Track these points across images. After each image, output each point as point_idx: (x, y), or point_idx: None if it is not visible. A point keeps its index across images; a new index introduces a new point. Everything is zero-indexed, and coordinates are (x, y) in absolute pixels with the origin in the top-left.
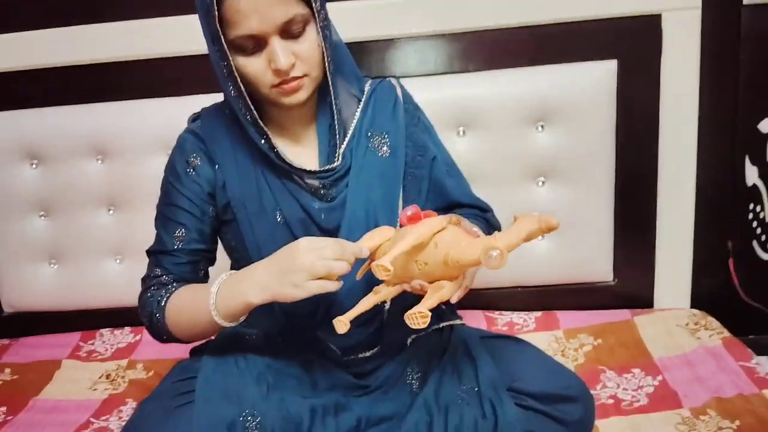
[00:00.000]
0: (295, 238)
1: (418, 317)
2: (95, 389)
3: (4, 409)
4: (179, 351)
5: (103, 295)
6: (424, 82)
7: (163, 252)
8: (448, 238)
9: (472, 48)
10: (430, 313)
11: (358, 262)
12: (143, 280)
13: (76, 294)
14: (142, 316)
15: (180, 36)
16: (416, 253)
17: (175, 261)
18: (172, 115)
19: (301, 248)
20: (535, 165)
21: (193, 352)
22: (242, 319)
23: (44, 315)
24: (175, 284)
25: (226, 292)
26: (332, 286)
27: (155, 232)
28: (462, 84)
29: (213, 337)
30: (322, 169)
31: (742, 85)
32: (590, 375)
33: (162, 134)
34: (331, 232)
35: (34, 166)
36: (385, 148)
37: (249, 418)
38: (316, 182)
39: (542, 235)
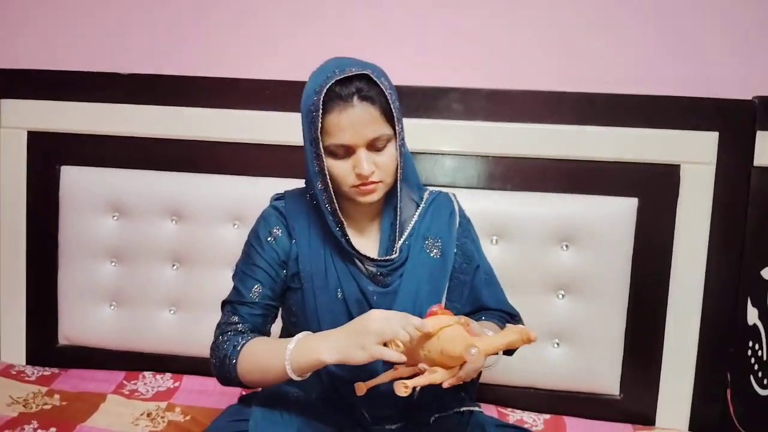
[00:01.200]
0: (350, 313)
1: (401, 386)
2: (137, 425)
3: (54, 430)
4: (213, 402)
5: (152, 341)
6: (467, 194)
7: (241, 303)
8: (449, 333)
9: (512, 170)
10: (411, 387)
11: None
12: (219, 326)
13: (127, 336)
14: (214, 357)
15: (257, 127)
16: (423, 341)
17: (251, 312)
18: (239, 191)
19: (373, 316)
20: (557, 279)
21: (242, 399)
22: (308, 375)
23: (94, 351)
24: (250, 334)
25: (301, 349)
26: (393, 354)
27: (233, 286)
28: (499, 199)
29: (260, 389)
30: (381, 258)
31: (748, 235)
32: None
33: (229, 206)
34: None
35: (115, 218)
36: (436, 251)
37: None
38: (374, 269)
39: (522, 344)
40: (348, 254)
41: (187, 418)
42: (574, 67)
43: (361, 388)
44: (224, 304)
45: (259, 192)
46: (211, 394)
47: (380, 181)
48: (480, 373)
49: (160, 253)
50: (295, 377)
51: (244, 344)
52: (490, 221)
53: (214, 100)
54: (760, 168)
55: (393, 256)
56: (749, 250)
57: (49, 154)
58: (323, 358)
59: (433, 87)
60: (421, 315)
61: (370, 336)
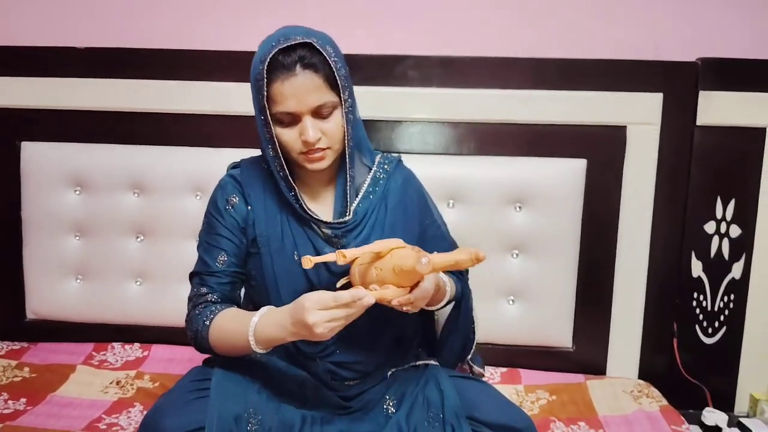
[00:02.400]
0: (308, 276)
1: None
2: (106, 392)
3: (24, 400)
4: (181, 369)
5: (119, 312)
6: (423, 159)
7: (208, 273)
8: (402, 253)
9: (467, 135)
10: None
11: (339, 275)
12: (190, 299)
13: (94, 308)
14: (189, 330)
15: (216, 99)
16: (376, 260)
17: (219, 281)
18: (201, 163)
19: (307, 311)
20: (511, 239)
21: (206, 361)
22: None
23: (63, 324)
24: (219, 305)
25: (263, 327)
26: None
27: (198, 257)
28: (455, 164)
29: None
30: (335, 221)
31: (691, 192)
32: (542, 423)
33: (191, 178)
34: (339, 275)
35: (77, 192)
36: (391, 213)
37: (252, 415)
38: (329, 231)
39: (472, 265)
40: (303, 218)
41: (156, 384)
42: (525, 33)
43: (308, 262)
44: (192, 276)
45: (221, 163)
46: (179, 362)
47: (327, 148)
48: (436, 329)
49: (124, 225)
50: (260, 351)
51: (212, 318)
52: (446, 186)
53: (173, 72)
54: (702, 127)
55: (347, 218)
56: (692, 206)
57: (9, 130)
58: (285, 338)
59: (389, 55)
60: None
61: (313, 328)
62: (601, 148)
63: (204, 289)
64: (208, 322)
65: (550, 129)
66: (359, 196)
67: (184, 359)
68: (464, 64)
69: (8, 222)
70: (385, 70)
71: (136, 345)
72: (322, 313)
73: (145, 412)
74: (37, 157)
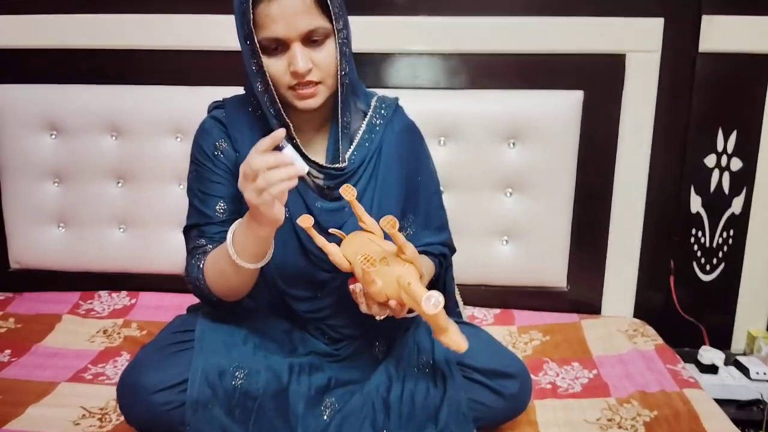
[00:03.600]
0: (297, 233)
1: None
2: (93, 341)
3: (8, 351)
4: (170, 316)
5: (104, 260)
6: (413, 95)
7: (208, 223)
8: (412, 272)
9: (459, 68)
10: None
11: (347, 274)
12: (189, 251)
13: (79, 256)
14: (189, 282)
15: (194, 33)
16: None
17: (221, 230)
18: (181, 102)
19: (248, 161)
20: (504, 177)
21: (189, 309)
22: (265, 260)
23: (47, 273)
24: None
25: (239, 232)
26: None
27: (191, 206)
28: (447, 99)
29: None
30: (330, 166)
31: (692, 124)
32: (535, 364)
33: (171, 118)
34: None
35: (53, 136)
36: (388, 162)
37: (238, 369)
38: (321, 181)
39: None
40: None
41: (144, 332)
42: None
43: (306, 220)
44: (188, 229)
45: (201, 103)
46: (168, 309)
47: (319, 82)
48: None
49: (103, 170)
50: (248, 265)
51: (204, 260)
52: (437, 122)
53: (149, 6)
54: (704, 54)
55: (342, 164)
56: (693, 139)
57: None
58: (252, 227)
59: None
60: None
61: (247, 181)
62: (599, 79)
63: (202, 240)
64: (201, 265)
65: (545, 59)
66: (354, 144)
67: (173, 306)
68: None
69: None
70: None
71: (123, 293)
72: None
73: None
74: (9, 100)
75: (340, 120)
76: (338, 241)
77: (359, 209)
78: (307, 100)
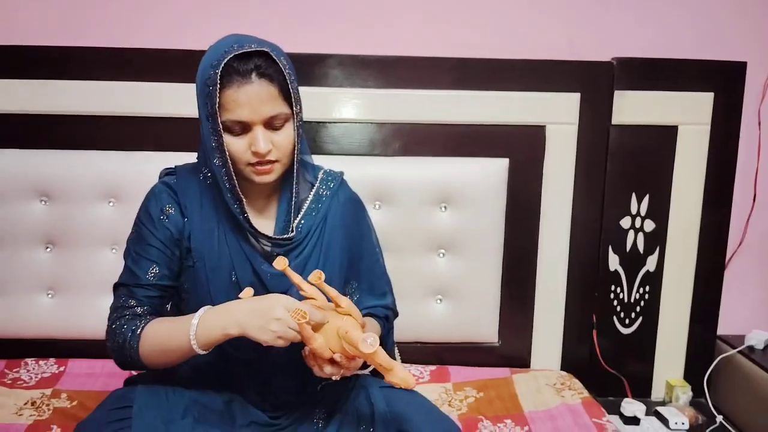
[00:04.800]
0: None
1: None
2: (21, 414)
3: None
4: (101, 384)
5: (32, 327)
6: (349, 160)
7: (138, 285)
8: (351, 322)
9: (392, 136)
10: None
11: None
12: (114, 309)
13: (5, 323)
14: (111, 342)
15: (128, 99)
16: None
17: (148, 294)
18: (114, 167)
19: (281, 301)
20: (437, 239)
21: (127, 382)
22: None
23: None
24: (148, 316)
25: (206, 323)
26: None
27: (125, 267)
28: (381, 165)
29: (145, 371)
30: (279, 237)
31: (608, 188)
32: (470, 423)
33: (104, 183)
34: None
35: None
36: (333, 232)
37: None
38: (269, 248)
39: (400, 385)
40: (243, 233)
41: (74, 403)
42: (449, 34)
43: (281, 262)
44: (117, 286)
45: (133, 167)
46: (98, 377)
47: (276, 161)
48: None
49: (31, 235)
50: (201, 352)
51: (143, 326)
52: (372, 187)
53: (84, 72)
54: (617, 126)
55: (291, 235)
56: (609, 202)
57: None
58: (229, 332)
59: (311, 53)
60: None
61: (271, 322)
62: (522, 148)
63: (132, 301)
64: (138, 331)
65: (474, 129)
66: (301, 213)
67: (103, 373)
68: (387, 63)
69: None
70: (307, 69)
71: (52, 360)
72: (288, 315)
73: None
74: None
75: (294, 192)
76: None
77: (296, 278)
78: (264, 176)
